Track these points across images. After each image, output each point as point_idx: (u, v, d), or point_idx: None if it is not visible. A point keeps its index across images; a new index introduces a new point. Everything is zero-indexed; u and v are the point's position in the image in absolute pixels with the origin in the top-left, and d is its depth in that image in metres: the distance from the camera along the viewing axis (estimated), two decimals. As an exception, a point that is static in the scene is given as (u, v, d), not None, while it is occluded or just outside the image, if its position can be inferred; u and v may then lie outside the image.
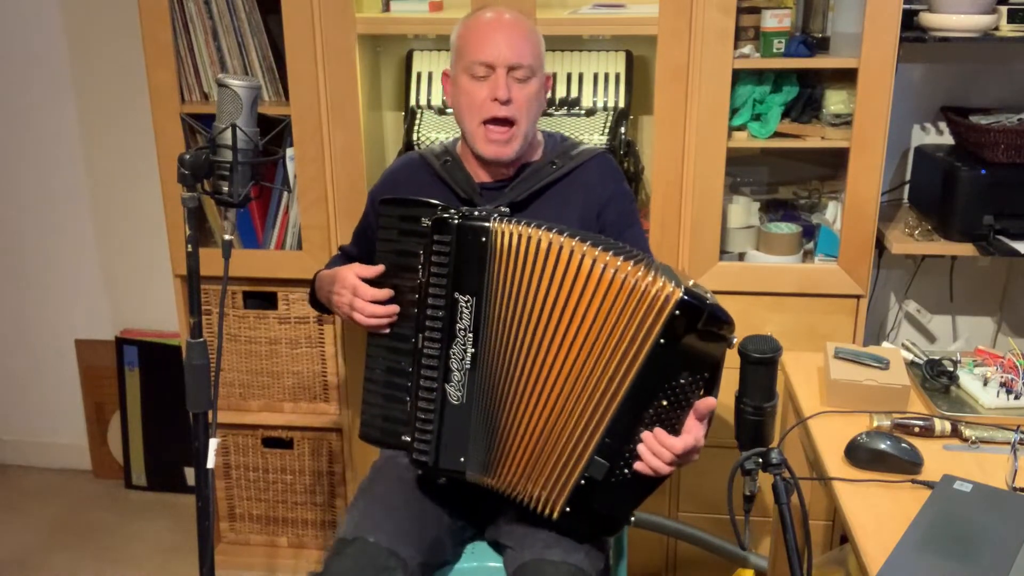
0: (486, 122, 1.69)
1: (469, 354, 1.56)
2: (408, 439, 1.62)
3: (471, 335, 1.56)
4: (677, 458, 1.48)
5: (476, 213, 1.57)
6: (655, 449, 1.48)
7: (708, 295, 1.47)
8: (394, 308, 1.65)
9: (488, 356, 1.56)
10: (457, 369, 1.57)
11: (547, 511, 1.57)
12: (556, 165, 1.78)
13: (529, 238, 1.52)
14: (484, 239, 1.54)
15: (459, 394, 1.58)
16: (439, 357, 1.57)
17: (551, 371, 1.53)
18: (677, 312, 1.44)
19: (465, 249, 1.54)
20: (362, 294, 1.65)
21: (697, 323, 1.44)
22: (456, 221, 1.54)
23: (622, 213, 1.81)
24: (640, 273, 1.47)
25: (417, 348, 1.60)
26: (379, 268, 1.66)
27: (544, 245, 1.52)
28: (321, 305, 1.90)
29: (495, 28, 1.69)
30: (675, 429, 1.49)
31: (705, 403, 1.47)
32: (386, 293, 1.65)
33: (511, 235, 1.53)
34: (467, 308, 1.55)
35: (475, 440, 1.59)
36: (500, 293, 1.54)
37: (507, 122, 1.69)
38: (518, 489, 1.59)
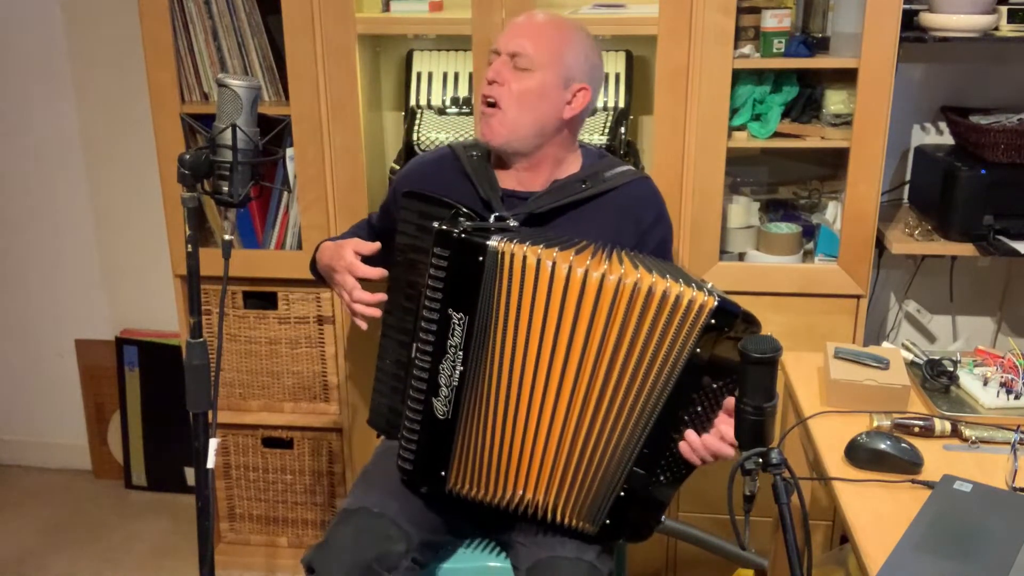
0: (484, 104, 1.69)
1: (458, 372, 1.53)
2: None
3: (461, 353, 1.52)
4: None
5: (482, 226, 1.54)
6: (699, 446, 1.49)
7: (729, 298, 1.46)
8: (381, 296, 1.65)
9: (478, 377, 1.54)
10: (445, 385, 1.55)
11: (588, 527, 1.57)
12: (586, 185, 1.70)
13: (525, 258, 1.48)
14: (481, 258, 1.49)
15: (445, 409, 1.56)
16: (429, 370, 1.55)
17: (566, 395, 1.52)
18: (712, 321, 1.43)
19: (462, 266, 1.50)
20: (356, 271, 1.66)
21: (732, 329, 1.44)
22: (457, 235, 1.50)
23: (660, 244, 1.73)
24: (653, 280, 1.45)
25: (410, 357, 1.59)
26: (376, 245, 1.67)
27: (547, 270, 1.47)
28: (320, 276, 1.86)
29: (517, 20, 1.70)
30: (706, 429, 1.50)
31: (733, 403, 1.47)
32: (378, 272, 1.65)
33: (512, 256, 1.49)
34: (459, 326, 1.52)
35: (460, 456, 1.58)
36: (496, 315, 1.51)
37: (493, 104, 1.65)
38: (547, 510, 1.58)
